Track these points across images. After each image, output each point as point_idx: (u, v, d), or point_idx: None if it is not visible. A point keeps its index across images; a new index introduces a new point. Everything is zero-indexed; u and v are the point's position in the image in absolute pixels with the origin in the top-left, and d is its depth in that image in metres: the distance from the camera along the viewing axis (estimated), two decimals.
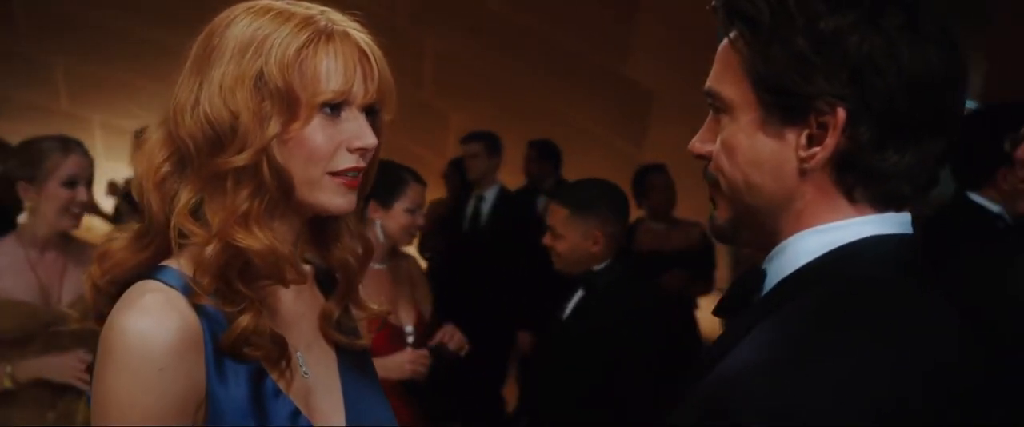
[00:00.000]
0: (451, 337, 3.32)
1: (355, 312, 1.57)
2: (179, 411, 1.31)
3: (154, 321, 1.29)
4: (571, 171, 6.39)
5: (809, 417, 1.00)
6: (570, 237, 3.29)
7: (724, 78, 1.21)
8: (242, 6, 1.39)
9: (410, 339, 3.38)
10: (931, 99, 1.12)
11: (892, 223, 1.18)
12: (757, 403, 1.02)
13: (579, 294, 3.34)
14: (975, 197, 3.02)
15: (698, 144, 1.26)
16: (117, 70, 9.37)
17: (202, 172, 1.35)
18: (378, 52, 1.40)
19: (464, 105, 8.59)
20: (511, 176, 6.49)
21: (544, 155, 6.40)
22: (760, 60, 1.15)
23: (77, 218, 3.17)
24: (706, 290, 5.73)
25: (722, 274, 6.08)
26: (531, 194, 6.29)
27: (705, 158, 1.25)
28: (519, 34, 7.26)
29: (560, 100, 7.73)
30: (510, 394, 5.91)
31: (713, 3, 1.22)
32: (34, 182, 3.10)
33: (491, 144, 6.01)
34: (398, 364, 3.19)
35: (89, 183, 3.19)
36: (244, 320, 1.34)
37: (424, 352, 3.25)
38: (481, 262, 5.64)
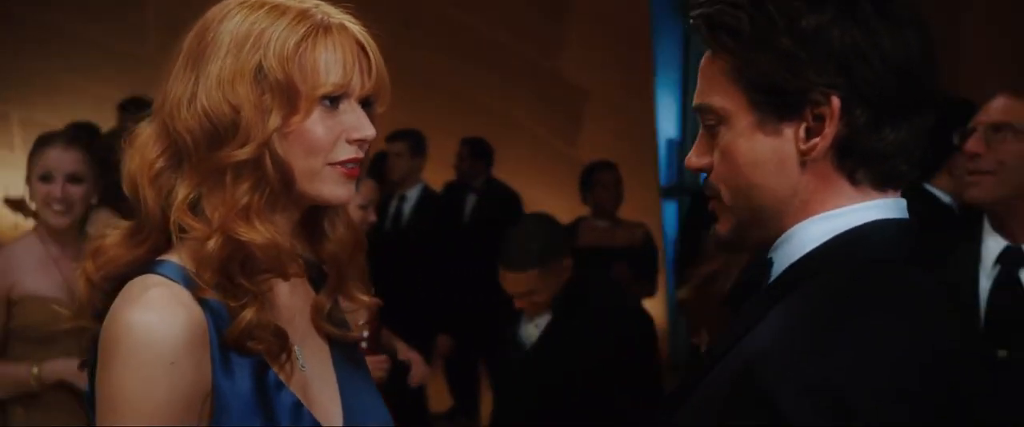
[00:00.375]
0: (417, 369, 3.34)
1: (345, 304, 1.55)
2: (187, 405, 1.31)
3: (161, 315, 1.29)
4: (503, 169, 6.36)
5: (838, 391, 1.05)
6: (548, 288, 3.27)
7: (713, 90, 1.24)
8: (234, 1, 1.39)
9: (364, 343, 3.34)
10: (915, 78, 1.19)
11: (892, 208, 1.22)
12: (789, 378, 1.06)
13: (546, 317, 3.33)
14: (929, 187, 3.12)
15: (694, 159, 1.29)
16: (36, 63, 9.12)
17: (201, 167, 1.34)
18: (374, 45, 1.41)
19: (395, 100, 8.48)
20: (442, 172, 6.46)
21: (476, 153, 6.36)
22: (748, 65, 1.19)
23: (60, 214, 3.06)
24: (649, 291, 5.72)
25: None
26: (460, 191, 6.26)
27: (704, 171, 1.28)
28: (452, 30, 7.20)
29: (492, 96, 7.68)
30: (436, 395, 5.88)
31: (692, 20, 1.26)
32: (28, 178, 3.07)
33: (415, 144, 5.95)
34: None
35: (74, 177, 3.07)
36: (248, 314, 1.34)
37: (384, 357, 3.21)
38: (400, 264, 5.53)
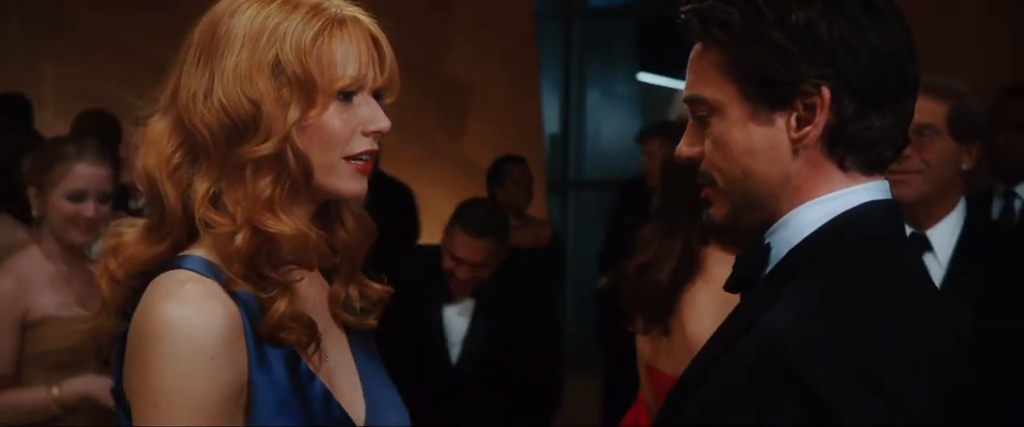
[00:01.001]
0: None
1: (356, 293, 1.56)
2: (227, 398, 1.31)
3: (199, 309, 1.30)
4: (389, 164, 6.31)
5: (864, 364, 1.13)
6: (494, 262, 3.37)
7: (705, 82, 1.30)
8: None
9: None
10: (898, 67, 1.27)
11: (879, 190, 1.30)
12: (814, 354, 1.13)
13: (470, 304, 3.32)
14: None
15: (685, 149, 1.35)
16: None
17: (221, 161, 1.35)
18: (385, 37, 1.42)
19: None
20: None
21: None
22: (741, 58, 1.25)
23: (85, 234, 2.82)
24: (557, 289, 5.72)
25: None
26: None
27: (694, 161, 1.34)
28: None
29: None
30: None
31: (683, 15, 1.30)
32: (42, 191, 2.80)
33: None
34: None
35: (103, 197, 2.83)
36: (281, 305, 1.35)
37: None
38: None
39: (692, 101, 1.32)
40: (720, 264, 2.27)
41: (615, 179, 7.96)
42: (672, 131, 2.42)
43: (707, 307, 2.27)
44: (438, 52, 6.97)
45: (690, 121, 1.35)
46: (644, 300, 2.37)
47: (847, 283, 1.21)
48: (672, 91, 13.21)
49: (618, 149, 8.11)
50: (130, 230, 1.42)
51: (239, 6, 1.37)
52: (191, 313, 1.29)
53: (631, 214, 4.78)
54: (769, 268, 1.31)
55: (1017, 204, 3.77)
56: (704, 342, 2.18)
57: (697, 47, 1.31)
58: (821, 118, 1.24)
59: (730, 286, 1.38)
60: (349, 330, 1.55)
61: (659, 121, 5.41)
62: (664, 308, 2.34)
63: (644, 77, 8.52)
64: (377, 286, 1.56)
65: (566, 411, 4.21)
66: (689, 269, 2.31)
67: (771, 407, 1.13)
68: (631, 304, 2.43)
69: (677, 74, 12.10)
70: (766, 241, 1.31)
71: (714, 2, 1.25)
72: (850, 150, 1.27)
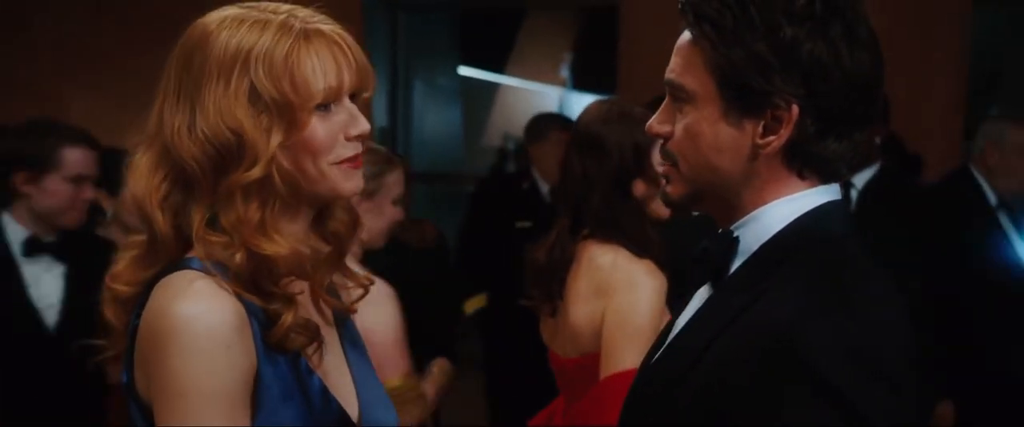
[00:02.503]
0: None
1: (341, 281, 1.62)
2: (244, 386, 1.37)
3: (212, 304, 1.35)
4: None
5: (865, 352, 1.21)
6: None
7: (688, 71, 1.36)
8: (213, 19, 1.41)
9: None
10: (864, 97, 1.34)
11: (833, 192, 1.40)
12: (822, 344, 1.20)
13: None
14: None
15: (656, 125, 1.43)
16: None
17: (211, 189, 1.40)
18: (349, 39, 1.45)
19: (117, 100, 8.01)
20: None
21: None
22: (724, 60, 1.31)
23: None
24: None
25: None
26: None
27: (661, 137, 1.43)
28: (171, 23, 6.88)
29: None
30: None
31: (681, 5, 1.36)
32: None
33: None
34: None
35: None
36: (288, 318, 1.41)
37: None
38: None
39: (673, 85, 1.39)
40: (597, 255, 2.41)
41: (439, 172, 8.03)
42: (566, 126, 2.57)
43: (585, 293, 2.40)
44: None
45: (666, 100, 1.42)
46: (531, 281, 2.52)
47: (833, 278, 1.28)
48: (493, 85, 13.43)
49: (441, 142, 8.19)
50: (123, 257, 1.49)
51: (210, 33, 1.40)
52: (204, 308, 1.34)
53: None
54: (740, 261, 1.39)
55: (853, 193, 3.96)
56: (580, 325, 2.35)
57: (687, 35, 1.38)
58: (785, 132, 1.32)
59: (699, 277, 1.46)
60: (338, 324, 1.60)
61: (547, 115, 5.45)
62: (547, 290, 2.47)
63: (464, 70, 8.63)
64: (359, 275, 1.63)
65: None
66: (562, 254, 2.44)
67: (787, 398, 1.19)
68: (527, 284, 2.56)
69: (496, 68, 12.29)
70: (735, 234, 1.39)
71: (712, 1, 1.32)
72: (806, 164, 1.36)
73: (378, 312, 2.50)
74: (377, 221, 2.77)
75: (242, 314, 1.38)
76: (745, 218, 1.39)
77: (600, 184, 2.40)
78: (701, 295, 1.48)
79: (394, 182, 2.81)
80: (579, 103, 14.14)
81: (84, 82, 6.80)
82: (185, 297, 1.35)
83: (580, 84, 13.00)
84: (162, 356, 1.34)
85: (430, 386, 3.00)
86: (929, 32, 5.65)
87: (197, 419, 1.33)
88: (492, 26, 9.69)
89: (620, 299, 2.32)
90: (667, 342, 1.49)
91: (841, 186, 1.39)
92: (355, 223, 1.60)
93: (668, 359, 1.44)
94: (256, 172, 1.38)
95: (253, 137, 1.38)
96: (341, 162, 1.44)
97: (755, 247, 1.37)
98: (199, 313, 1.34)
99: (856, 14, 1.33)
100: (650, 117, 2.47)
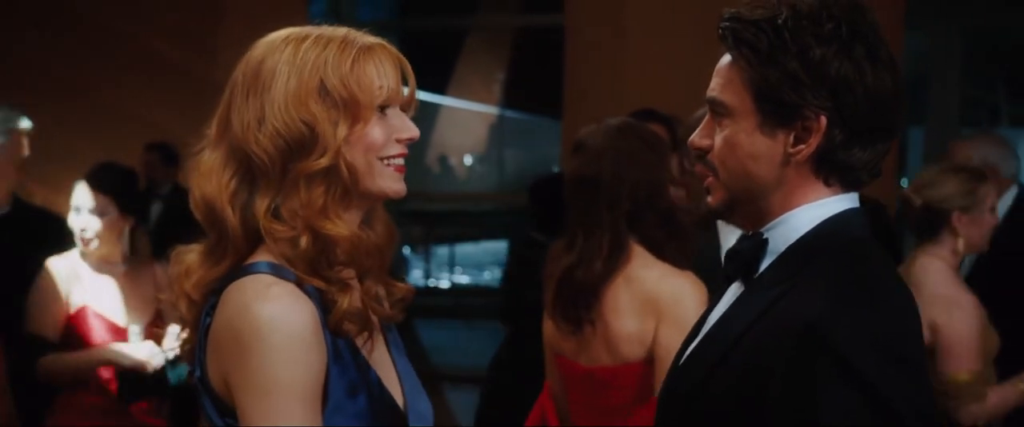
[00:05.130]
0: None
1: (383, 290, 1.69)
2: (320, 384, 1.46)
3: (289, 306, 1.44)
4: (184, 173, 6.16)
5: (891, 340, 1.37)
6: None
7: (727, 89, 1.52)
8: (277, 37, 1.56)
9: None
10: (885, 110, 1.49)
11: (853, 200, 1.55)
12: (849, 334, 1.35)
13: None
14: None
15: (697, 139, 1.57)
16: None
17: (278, 179, 1.51)
18: (404, 59, 1.60)
19: (44, 110, 7.89)
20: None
21: (167, 159, 6.35)
22: (761, 78, 1.47)
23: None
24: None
25: None
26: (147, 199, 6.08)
27: (702, 150, 1.57)
28: (108, 36, 6.85)
29: (142, 102, 7.35)
30: None
31: (721, 30, 1.52)
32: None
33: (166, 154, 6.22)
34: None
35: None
36: (345, 301, 1.51)
37: None
38: None
39: (714, 102, 1.54)
40: (638, 268, 2.47)
41: None
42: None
43: (628, 307, 2.46)
44: (210, 62, 6.83)
45: (707, 117, 1.57)
46: (571, 297, 2.52)
47: (857, 275, 1.44)
48: (434, 106, 13.47)
49: None
50: (190, 254, 1.58)
51: (276, 47, 1.54)
52: (284, 309, 1.43)
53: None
54: (768, 260, 1.53)
55: None
56: (625, 337, 2.41)
57: (727, 57, 1.53)
58: (814, 141, 1.46)
59: (730, 274, 1.59)
60: (380, 325, 1.68)
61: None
62: (578, 304, 2.50)
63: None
64: (401, 285, 1.72)
65: None
66: (604, 270, 2.47)
67: (818, 381, 1.33)
68: (557, 302, 2.56)
69: (436, 88, 12.33)
70: (764, 236, 1.54)
71: (749, 26, 1.47)
72: (834, 171, 1.50)
73: (951, 312, 2.97)
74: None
75: (316, 316, 1.46)
76: (775, 221, 1.53)
77: (638, 201, 2.47)
78: (732, 291, 1.61)
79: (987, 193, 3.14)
80: (516, 122, 14.28)
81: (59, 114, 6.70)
82: (266, 299, 1.44)
83: (516, 103, 13.14)
84: (246, 355, 1.42)
85: (995, 392, 3.06)
86: None
87: (281, 415, 1.41)
88: (432, 47, 9.76)
89: (674, 314, 2.40)
90: (702, 333, 1.61)
91: None
92: (394, 236, 1.69)
93: (705, 348, 1.57)
94: (325, 160, 1.49)
95: (324, 128, 1.49)
96: (390, 162, 1.56)
97: (783, 248, 1.51)
98: (280, 314, 1.43)
99: (877, 38, 1.48)
100: (654, 131, 2.57)
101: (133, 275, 3.35)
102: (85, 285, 3.26)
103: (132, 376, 3.21)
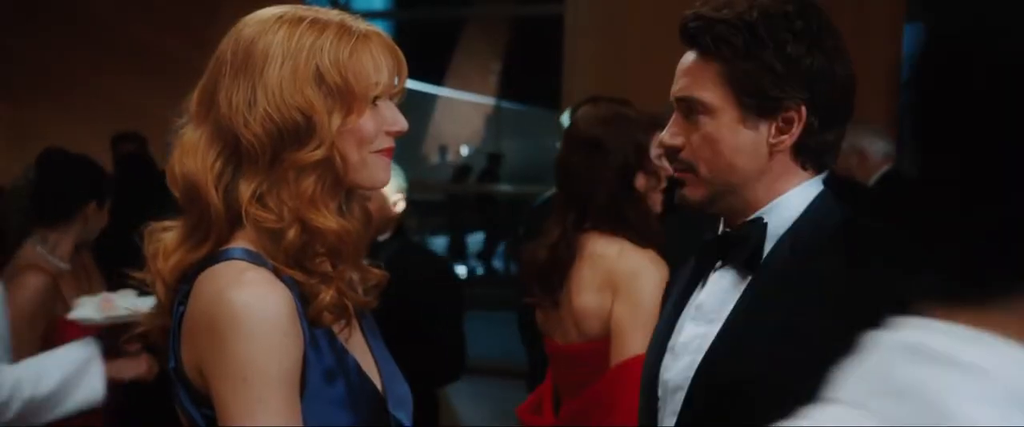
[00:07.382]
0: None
1: (356, 277, 1.65)
2: (298, 370, 1.43)
3: (265, 292, 1.40)
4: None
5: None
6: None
7: (701, 87, 1.57)
8: (270, 15, 1.50)
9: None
10: (848, 96, 1.59)
11: (822, 181, 1.63)
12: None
13: None
14: None
15: (669, 138, 1.61)
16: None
17: (266, 166, 1.46)
18: (398, 48, 1.56)
19: (40, 101, 7.92)
20: None
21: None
22: (741, 72, 1.54)
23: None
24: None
25: None
26: None
27: (675, 149, 1.60)
28: (100, 25, 6.85)
29: (139, 93, 7.35)
30: None
31: (691, 26, 1.56)
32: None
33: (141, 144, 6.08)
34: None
35: None
36: (327, 295, 1.47)
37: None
38: None
39: (686, 100, 1.58)
40: (601, 246, 2.53)
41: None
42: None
43: (590, 283, 2.52)
44: (209, 54, 6.84)
45: (675, 115, 1.60)
46: (532, 276, 2.62)
47: (867, 246, 1.54)
48: (431, 96, 13.47)
49: None
50: (167, 234, 1.52)
51: (268, 27, 1.48)
52: (260, 295, 1.40)
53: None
54: (769, 245, 1.57)
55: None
56: (587, 312, 2.50)
57: (693, 55, 1.58)
58: (796, 130, 1.54)
59: (742, 263, 1.59)
60: (355, 310, 1.65)
61: None
62: (548, 283, 2.58)
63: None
64: (375, 271, 1.68)
65: None
66: (568, 250, 2.55)
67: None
68: (525, 280, 2.67)
69: (430, 78, 12.32)
70: (764, 219, 1.58)
71: (726, 24, 1.53)
72: (809, 156, 1.58)
73: None
74: None
75: (292, 302, 1.43)
76: (766, 207, 1.59)
77: (605, 181, 2.52)
78: (726, 277, 1.61)
79: None
80: (513, 113, 14.27)
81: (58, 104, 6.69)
82: (240, 285, 1.40)
83: (513, 94, 13.14)
84: (221, 342, 1.38)
85: None
86: (865, 44, 5.82)
87: (259, 402, 1.38)
88: (426, 37, 9.73)
89: (628, 288, 2.46)
90: (726, 320, 1.59)
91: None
92: (370, 222, 1.66)
93: (734, 337, 1.56)
94: (320, 152, 1.45)
95: (321, 118, 1.45)
96: (379, 152, 1.53)
97: (781, 231, 1.57)
98: (256, 300, 1.39)
99: (837, 31, 1.58)
100: (643, 116, 2.59)
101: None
102: None
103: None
